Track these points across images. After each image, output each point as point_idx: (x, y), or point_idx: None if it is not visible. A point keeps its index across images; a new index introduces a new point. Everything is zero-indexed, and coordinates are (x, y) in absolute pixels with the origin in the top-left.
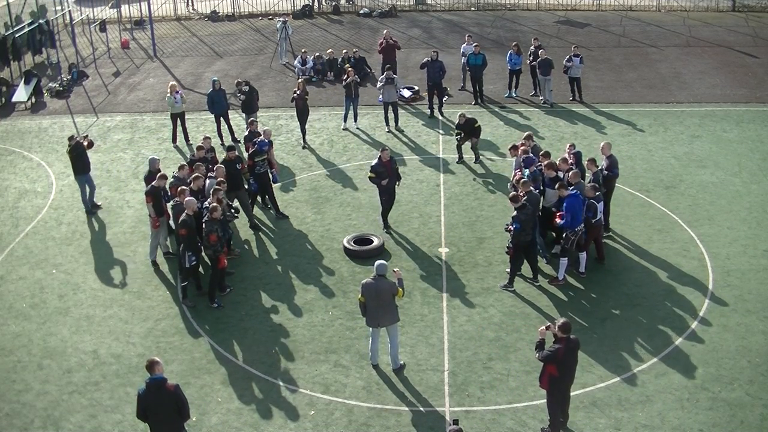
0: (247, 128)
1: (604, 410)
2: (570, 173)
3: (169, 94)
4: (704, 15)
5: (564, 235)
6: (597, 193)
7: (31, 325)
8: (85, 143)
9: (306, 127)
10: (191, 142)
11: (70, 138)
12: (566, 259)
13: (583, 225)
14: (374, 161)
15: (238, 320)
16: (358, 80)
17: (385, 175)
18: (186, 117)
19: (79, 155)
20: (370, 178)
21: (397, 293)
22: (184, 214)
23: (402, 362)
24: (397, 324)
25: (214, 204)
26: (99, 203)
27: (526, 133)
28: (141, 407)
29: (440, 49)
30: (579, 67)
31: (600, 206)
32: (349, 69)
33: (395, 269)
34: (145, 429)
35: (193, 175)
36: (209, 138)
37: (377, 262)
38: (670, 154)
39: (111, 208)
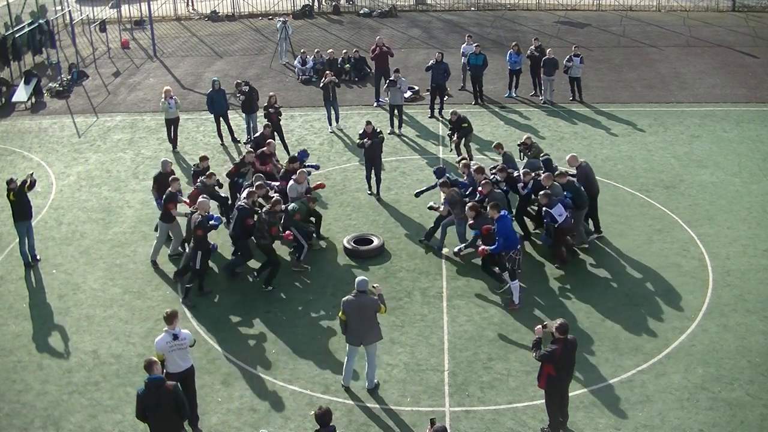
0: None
1: (604, 410)
2: (543, 176)
3: (163, 99)
4: (704, 15)
5: (508, 257)
6: (551, 198)
7: (31, 325)
8: (28, 182)
9: (286, 142)
10: (177, 149)
11: (9, 182)
12: (517, 281)
13: (519, 247)
14: (360, 131)
15: (238, 320)
16: (336, 81)
17: (368, 142)
18: (179, 123)
19: (21, 200)
20: (358, 144)
21: (380, 310)
22: (198, 215)
23: (377, 381)
24: (377, 343)
25: (278, 197)
26: (39, 257)
27: (496, 142)
28: (140, 407)
29: (440, 49)
30: (579, 67)
31: (557, 210)
32: (327, 71)
33: (374, 285)
34: (144, 429)
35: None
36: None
37: (358, 279)
38: (670, 154)
39: (111, 208)
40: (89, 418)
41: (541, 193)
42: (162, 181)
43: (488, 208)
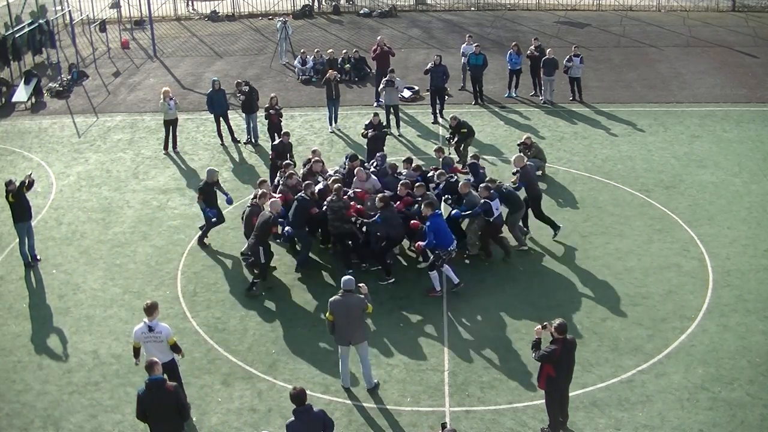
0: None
1: (604, 410)
2: (461, 184)
3: (162, 100)
4: (704, 15)
5: (435, 253)
6: (491, 192)
7: (31, 325)
8: (27, 182)
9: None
10: (178, 149)
11: (8, 183)
12: (435, 271)
13: (455, 244)
14: (367, 121)
15: (238, 320)
16: (338, 75)
17: (372, 132)
18: (178, 124)
19: (20, 201)
20: (362, 134)
21: (367, 308)
22: (268, 212)
23: (377, 381)
24: (366, 342)
25: (339, 184)
26: (39, 257)
27: (407, 156)
28: (141, 408)
29: (440, 49)
30: (579, 67)
31: (495, 204)
32: (329, 69)
33: (360, 285)
34: (144, 429)
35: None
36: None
37: (344, 278)
38: (670, 154)
39: (111, 208)
40: (89, 418)
41: (482, 186)
42: (208, 191)
43: (422, 206)
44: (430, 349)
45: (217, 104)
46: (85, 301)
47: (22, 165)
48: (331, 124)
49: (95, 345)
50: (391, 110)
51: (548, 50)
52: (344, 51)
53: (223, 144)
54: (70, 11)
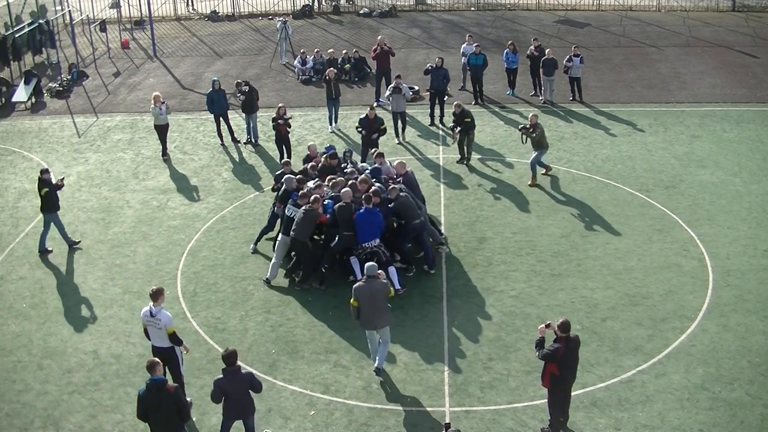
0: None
1: (604, 410)
2: (389, 188)
3: (153, 105)
4: (704, 15)
5: (360, 246)
6: (402, 194)
7: (31, 325)
8: (58, 183)
9: (291, 153)
10: (168, 156)
11: (44, 171)
12: (353, 258)
13: (378, 240)
14: (362, 116)
15: (238, 320)
16: (337, 72)
17: (368, 128)
18: (168, 129)
19: (50, 195)
20: (357, 128)
21: (390, 293)
22: (345, 203)
23: (383, 366)
24: (389, 327)
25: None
26: (77, 240)
27: (378, 152)
28: (141, 408)
29: (440, 49)
30: (579, 67)
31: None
32: (329, 69)
33: (378, 271)
34: (145, 429)
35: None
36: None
37: (368, 264)
38: (670, 154)
39: (111, 208)
40: (89, 418)
41: (392, 187)
42: (287, 199)
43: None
44: (430, 349)
45: (217, 104)
46: (85, 301)
47: (22, 165)
48: (331, 124)
49: (95, 345)
50: (398, 117)
51: (548, 50)
52: (344, 51)
53: (223, 144)
54: (70, 11)
